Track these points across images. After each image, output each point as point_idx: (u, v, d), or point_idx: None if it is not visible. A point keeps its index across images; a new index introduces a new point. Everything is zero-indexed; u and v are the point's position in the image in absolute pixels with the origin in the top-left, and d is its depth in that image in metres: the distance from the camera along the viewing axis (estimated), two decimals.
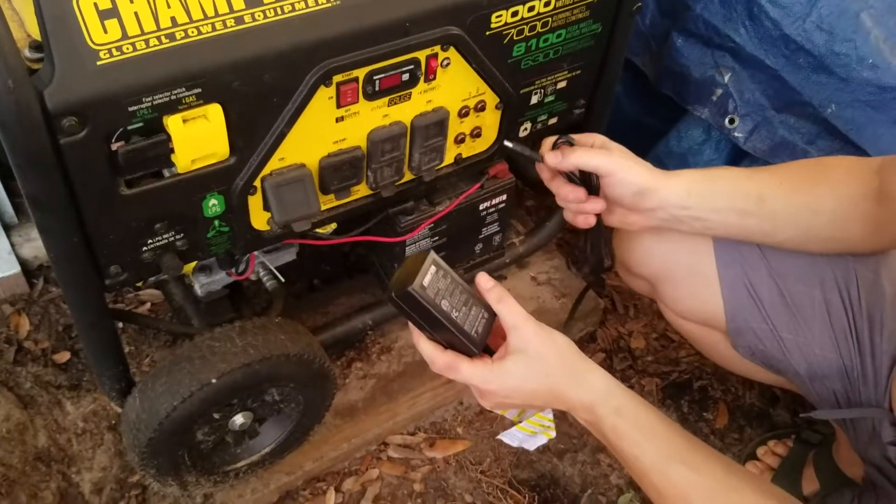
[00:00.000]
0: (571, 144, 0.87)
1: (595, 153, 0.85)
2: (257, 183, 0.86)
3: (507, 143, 0.91)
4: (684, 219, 0.88)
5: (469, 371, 0.79)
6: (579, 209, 0.89)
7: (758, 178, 0.89)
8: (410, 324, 0.80)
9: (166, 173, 0.81)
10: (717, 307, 0.98)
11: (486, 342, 0.81)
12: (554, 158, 0.86)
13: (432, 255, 0.80)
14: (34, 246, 1.40)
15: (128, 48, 0.70)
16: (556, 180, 0.90)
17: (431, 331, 0.80)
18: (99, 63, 0.69)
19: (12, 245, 1.37)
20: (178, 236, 0.86)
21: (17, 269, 1.37)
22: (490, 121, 1.03)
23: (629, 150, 0.90)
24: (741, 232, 0.91)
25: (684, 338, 1.15)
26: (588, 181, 0.87)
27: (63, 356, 1.33)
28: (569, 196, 0.88)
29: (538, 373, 0.79)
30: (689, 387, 1.41)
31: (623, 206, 0.89)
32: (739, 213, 0.88)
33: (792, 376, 0.98)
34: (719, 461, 0.76)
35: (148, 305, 1.41)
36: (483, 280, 0.81)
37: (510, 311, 0.79)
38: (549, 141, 0.89)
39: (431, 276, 0.78)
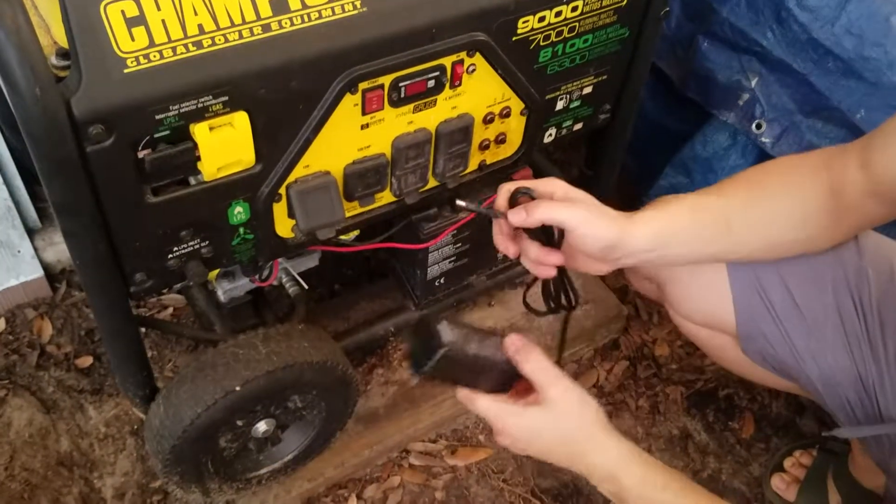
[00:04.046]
0: (532, 197, 0.81)
1: (560, 207, 0.80)
2: (282, 190, 0.86)
3: (459, 203, 0.85)
4: (651, 259, 0.86)
5: (484, 405, 0.83)
6: (540, 262, 0.84)
7: (715, 201, 0.86)
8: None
9: (192, 181, 0.81)
10: (726, 309, 0.95)
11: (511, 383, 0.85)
12: (518, 216, 0.80)
13: (437, 317, 0.82)
14: (57, 250, 1.41)
15: (155, 56, 0.69)
16: (515, 235, 0.85)
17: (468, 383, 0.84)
18: (126, 71, 0.68)
19: (35, 249, 1.37)
20: (203, 244, 0.86)
21: (40, 273, 1.38)
22: (515, 126, 1.02)
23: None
24: (705, 258, 0.90)
25: (691, 340, 1.12)
26: (548, 232, 0.82)
27: (85, 360, 1.33)
28: (530, 252, 0.84)
29: (555, 433, 0.81)
30: (714, 395, 1.39)
31: (588, 256, 0.86)
32: (704, 241, 0.86)
33: (804, 382, 0.95)
34: None
35: (170, 310, 1.41)
36: (510, 342, 0.83)
37: (539, 369, 0.82)
38: (504, 190, 0.83)
39: (449, 332, 0.80)
